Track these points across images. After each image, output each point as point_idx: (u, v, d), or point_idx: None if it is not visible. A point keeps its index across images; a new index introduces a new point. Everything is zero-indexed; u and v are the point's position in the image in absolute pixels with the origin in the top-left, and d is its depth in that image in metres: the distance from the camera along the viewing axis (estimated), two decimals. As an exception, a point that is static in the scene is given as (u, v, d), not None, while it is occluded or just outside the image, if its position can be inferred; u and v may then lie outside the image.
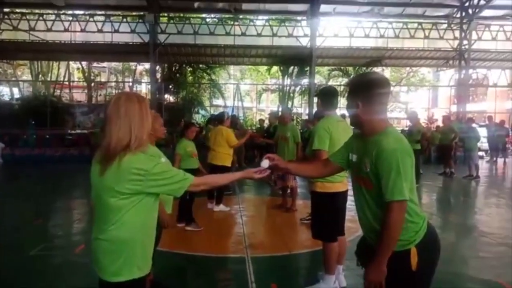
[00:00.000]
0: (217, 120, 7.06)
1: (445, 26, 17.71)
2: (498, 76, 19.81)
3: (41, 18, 16.78)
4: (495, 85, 20.26)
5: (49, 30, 16.54)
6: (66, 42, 16.71)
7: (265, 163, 2.09)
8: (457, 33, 17.29)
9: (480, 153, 12.96)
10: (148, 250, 1.92)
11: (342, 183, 3.53)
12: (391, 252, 1.86)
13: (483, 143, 13.70)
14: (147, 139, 1.90)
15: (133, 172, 1.76)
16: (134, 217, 1.81)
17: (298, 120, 17.19)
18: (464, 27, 16.88)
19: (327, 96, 3.68)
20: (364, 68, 18.82)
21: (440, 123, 13.93)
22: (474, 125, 11.56)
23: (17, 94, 21.40)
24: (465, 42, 17.05)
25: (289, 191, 6.92)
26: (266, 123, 15.55)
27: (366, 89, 1.98)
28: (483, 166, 12.61)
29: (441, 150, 10.99)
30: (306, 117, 17.74)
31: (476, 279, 3.97)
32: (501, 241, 5.24)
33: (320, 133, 3.44)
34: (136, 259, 1.84)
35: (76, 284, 3.74)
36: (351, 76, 19.31)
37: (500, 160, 14.49)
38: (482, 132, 12.45)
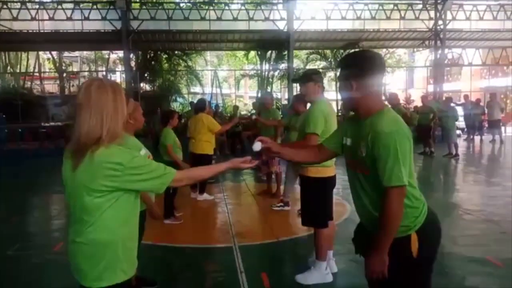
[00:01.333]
0: (197, 107, 6.83)
1: (420, 6, 17.76)
2: (472, 56, 20.10)
3: (5, 6, 15.97)
4: (470, 64, 20.57)
5: (15, 19, 15.74)
6: (34, 31, 15.99)
7: (257, 145, 1.95)
8: (432, 14, 17.39)
9: (458, 132, 13.17)
10: (131, 251, 1.77)
11: (333, 167, 3.46)
12: (392, 239, 1.77)
13: (460, 122, 13.92)
14: (122, 131, 1.71)
15: (108, 167, 1.58)
16: (113, 217, 1.65)
17: (278, 105, 17.06)
18: (439, 7, 16.98)
19: (319, 77, 3.54)
20: (342, 50, 18.79)
21: (417, 103, 14.07)
22: (452, 104, 11.69)
23: (-16, 88, 20.50)
24: (440, 22, 17.18)
25: (273, 176, 6.83)
26: (246, 111, 15.45)
27: (359, 68, 1.85)
28: (461, 144, 12.82)
29: (420, 130, 11.07)
30: (286, 102, 17.65)
31: (465, 257, 3.98)
32: (485, 218, 5.30)
33: (317, 116, 3.30)
34: (119, 261, 1.68)
35: (55, 285, 3.56)
36: (329, 59, 19.29)
37: (476, 138, 14.78)
38: (459, 111, 12.63)
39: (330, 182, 3.46)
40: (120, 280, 1.68)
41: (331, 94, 19.07)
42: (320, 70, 21.77)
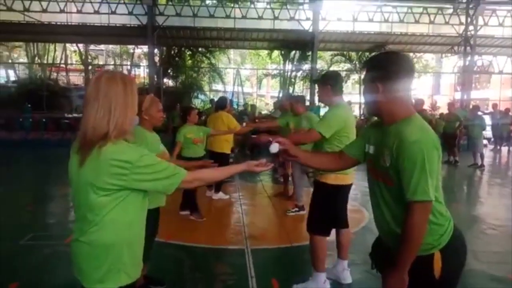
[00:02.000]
0: (218, 105, 6.75)
1: (450, 11, 17.25)
2: (503, 63, 19.41)
3: (35, -2, 16.32)
4: (501, 72, 19.88)
5: (44, 11, 16.07)
6: (62, 23, 16.28)
7: (274, 147, 1.87)
8: (462, 18, 16.86)
9: (484, 142, 12.72)
10: (137, 253, 1.68)
11: (352, 174, 3.28)
12: (413, 258, 1.63)
13: (488, 131, 13.45)
14: (131, 127, 1.63)
15: (115, 165, 1.49)
16: (119, 217, 1.57)
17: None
18: (470, 12, 16.45)
19: (338, 79, 3.36)
20: (367, 53, 18.43)
21: (443, 110, 13.66)
22: (479, 112, 11.28)
23: (13, 77, 21.02)
24: (471, 27, 16.64)
25: (290, 179, 6.69)
26: (267, 110, 15.29)
27: (387, 69, 1.71)
28: (487, 155, 12.36)
29: (446, 137, 10.71)
30: (308, 104, 17.45)
31: (487, 274, 3.76)
32: (510, 234, 5.02)
33: (333, 121, 3.12)
34: (123, 264, 1.60)
35: (64, 277, 3.52)
36: (354, 62, 18.97)
37: (504, 149, 14.25)
38: (487, 120, 12.19)
39: (347, 189, 3.31)
40: (123, 283, 1.61)
41: (355, 97, 18.77)
42: (344, 72, 21.63)
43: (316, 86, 3.41)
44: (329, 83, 3.25)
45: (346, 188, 3.27)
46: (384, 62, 1.76)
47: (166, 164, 1.62)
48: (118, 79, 1.59)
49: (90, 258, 1.58)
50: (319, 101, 3.50)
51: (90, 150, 1.51)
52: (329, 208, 3.24)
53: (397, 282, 1.65)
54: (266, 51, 22.21)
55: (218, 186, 6.62)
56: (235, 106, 15.28)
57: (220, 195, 6.64)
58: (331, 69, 19.67)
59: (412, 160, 1.59)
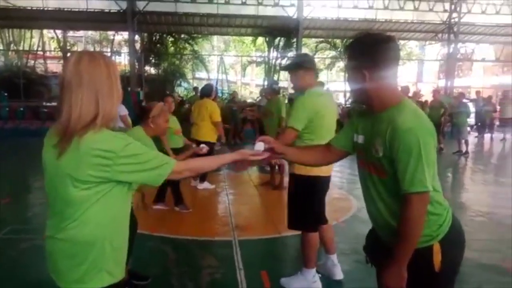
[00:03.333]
0: (203, 92, 6.53)
1: (435, -2, 17.27)
2: (486, 51, 19.62)
3: (10, -18, 15.64)
4: (484, 60, 20.11)
5: (19, -5, 15.44)
6: (38, 8, 15.66)
7: (259, 145, 1.74)
8: (447, 6, 16.90)
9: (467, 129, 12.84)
10: (120, 250, 1.53)
11: (327, 167, 2.95)
12: (412, 251, 1.52)
13: (470, 118, 13.57)
14: (116, 113, 1.48)
15: (97, 155, 1.34)
16: (101, 212, 1.42)
17: (284, 94, 16.72)
18: (454, -1, 16.50)
19: (312, 63, 3.11)
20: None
21: (426, 98, 13.71)
22: (464, 100, 11.34)
23: (-12, 64, 20.25)
24: (454, 15, 16.70)
25: (277, 168, 6.58)
26: (251, 99, 15.14)
27: (372, 52, 1.56)
28: (471, 142, 12.49)
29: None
30: (292, 91, 17.33)
31: (480, 264, 3.68)
32: (498, 221, 5.04)
33: (299, 109, 2.90)
34: (104, 263, 1.45)
35: (42, 272, 3.33)
36: (339, 49, 18.86)
37: (486, 136, 14.43)
38: (470, 107, 12.28)
39: (320, 181, 3.02)
40: (105, 284, 1.46)
41: (340, 85, 18.68)
42: (329, 60, 21.50)
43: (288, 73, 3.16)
44: (307, 67, 3.03)
45: (318, 180, 2.98)
46: (369, 47, 1.58)
47: (154, 154, 1.48)
48: (101, 62, 1.42)
49: (67, 256, 1.44)
50: (293, 88, 3.19)
51: (71, 140, 1.35)
52: (303, 202, 3.03)
53: (395, 277, 1.54)
54: (250, 38, 21.90)
55: (203, 176, 6.45)
56: (220, 95, 15.00)
57: (206, 185, 6.48)
58: (316, 56, 19.57)
59: (407, 149, 1.47)
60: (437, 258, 1.56)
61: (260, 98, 11.98)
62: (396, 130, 1.49)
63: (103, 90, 1.40)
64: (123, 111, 6.43)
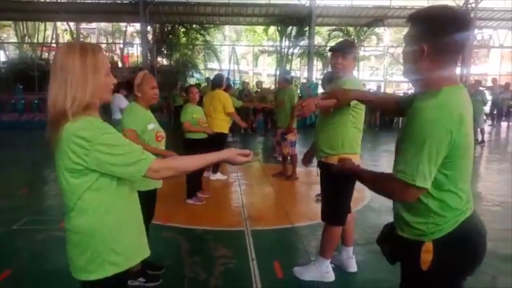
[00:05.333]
0: (214, 83, 6.51)
1: (451, -18, 16.82)
2: (504, 37, 19.09)
3: (23, -25, 15.75)
4: (502, 46, 19.56)
5: (32, -12, 15.56)
6: (51, 1, 15.78)
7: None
8: (463, -10, 16.46)
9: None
10: (124, 241, 1.55)
11: (358, 155, 2.98)
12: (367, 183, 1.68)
13: (486, 106, 13.30)
14: (94, 102, 1.47)
15: (74, 142, 1.38)
16: (93, 202, 1.46)
17: (297, 83, 16.58)
18: (471, -17, 16.05)
19: (352, 48, 3.01)
20: (366, 28, 18.08)
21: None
22: (481, 88, 11.09)
23: (3, 58, 20.51)
24: (471, 0, 16.25)
25: (289, 158, 6.55)
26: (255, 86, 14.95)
27: (440, 27, 1.41)
28: (487, 130, 12.25)
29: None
30: (304, 81, 17.17)
31: (496, 254, 3.57)
32: (516, 211, 4.94)
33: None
34: (105, 253, 1.49)
35: (58, 263, 3.39)
36: (352, 37, 18.57)
37: (503, 124, 14.14)
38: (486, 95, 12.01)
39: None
40: (109, 273, 1.51)
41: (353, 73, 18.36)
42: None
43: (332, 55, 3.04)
44: (349, 52, 2.97)
45: None
46: (437, 19, 1.44)
47: (133, 147, 1.46)
48: (76, 50, 1.44)
49: (73, 245, 1.52)
50: (335, 73, 3.08)
51: (56, 131, 1.41)
52: (346, 195, 2.99)
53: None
54: (262, 27, 21.71)
55: (216, 166, 6.47)
56: (232, 84, 14.95)
57: (218, 175, 6.50)
58: (329, 44, 19.32)
59: (414, 135, 1.40)
60: (426, 256, 1.47)
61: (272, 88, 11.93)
62: (414, 113, 1.42)
63: (75, 78, 1.42)
64: (124, 103, 6.42)
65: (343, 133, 2.86)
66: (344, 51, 2.95)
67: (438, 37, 1.42)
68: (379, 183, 1.63)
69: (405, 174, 1.42)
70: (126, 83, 4.24)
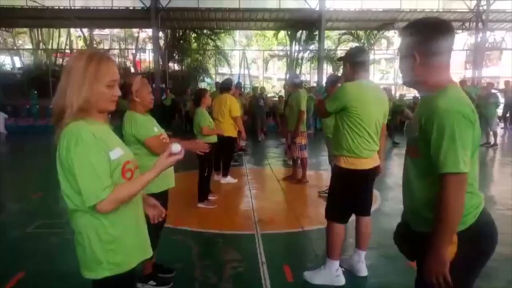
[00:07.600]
0: (222, 87, 6.55)
1: (461, -15, 16.70)
2: (516, 39, 18.86)
3: (38, -17, 16.07)
4: (514, 48, 19.31)
5: (47, -5, 15.85)
6: (65, 8, 16.07)
7: (176, 147, 1.60)
8: (474, -7, 16.33)
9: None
10: (120, 241, 1.58)
11: (372, 158, 3.01)
12: (451, 235, 1.50)
13: (499, 109, 13.10)
14: (88, 108, 1.50)
15: (61, 145, 1.46)
16: (80, 206, 1.52)
17: (307, 87, 16.58)
18: (483, -15, 15.90)
19: (357, 56, 3.05)
20: (376, 32, 18.02)
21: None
22: (493, 90, 10.96)
23: (18, 64, 20.92)
24: (483, 2, 16.10)
25: (299, 161, 6.56)
26: (273, 93, 15.04)
27: (425, 35, 1.59)
28: (499, 133, 12.08)
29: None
30: (315, 85, 17.16)
31: (509, 259, 3.56)
32: (530, 215, 4.87)
33: (336, 97, 3.00)
34: (101, 253, 1.54)
35: (71, 265, 3.45)
36: (362, 41, 18.53)
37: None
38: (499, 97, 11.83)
39: (360, 176, 3.00)
40: (109, 274, 1.56)
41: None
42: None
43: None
44: (347, 60, 3.09)
45: (362, 173, 2.99)
46: (422, 28, 1.61)
47: (89, 176, 1.44)
48: (84, 57, 1.50)
49: (77, 243, 1.58)
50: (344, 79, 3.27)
51: (59, 131, 1.50)
52: (343, 194, 3.05)
53: (437, 264, 1.52)
54: (272, 32, 21.79)
55: (225, 170, 6.51)
56: (242, 89, 14.98)
57: (228, 179, 6.54)
58: (338, 48, 19.31)
59: (441, 129, 1.48)
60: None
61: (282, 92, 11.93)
62: (433, 111, 1.51)
63: (74, 82, 1.47)
64: None
65: (341, 136, 3.00)
66: (342, 60, 3.19)
67: (425, 44, 1.58)
68: (448, 213, 1.51)
69: (452, 166, 1.47)
70: (120, 88, 4.25)
